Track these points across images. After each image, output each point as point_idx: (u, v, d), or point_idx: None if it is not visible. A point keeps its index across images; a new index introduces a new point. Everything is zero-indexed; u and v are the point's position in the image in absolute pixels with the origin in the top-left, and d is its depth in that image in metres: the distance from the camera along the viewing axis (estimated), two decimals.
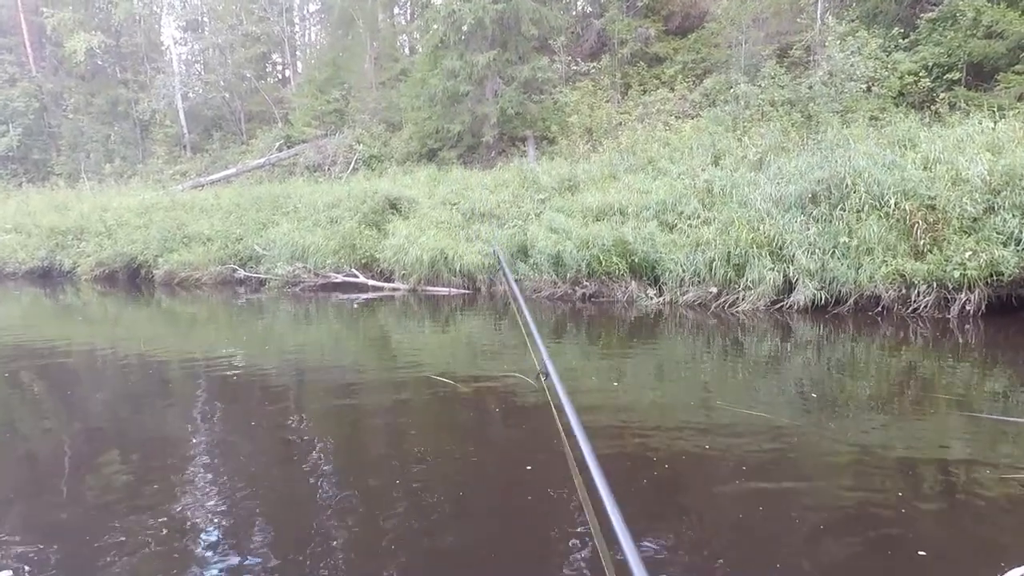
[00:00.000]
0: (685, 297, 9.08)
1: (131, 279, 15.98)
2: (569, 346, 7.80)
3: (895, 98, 13.03)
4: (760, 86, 14.22)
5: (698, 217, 9.65)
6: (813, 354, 7.13)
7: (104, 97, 28.15)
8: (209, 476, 3.98)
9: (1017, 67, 11.55)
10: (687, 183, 10.67)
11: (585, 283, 10.02)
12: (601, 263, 9.70)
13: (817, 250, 8.30)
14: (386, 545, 3.10)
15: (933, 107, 12.16)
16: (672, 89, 16.93)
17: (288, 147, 22.15)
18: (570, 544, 3.10)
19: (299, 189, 16.42)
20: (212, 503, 3.58)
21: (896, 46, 13.70)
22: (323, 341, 8.85)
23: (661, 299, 9.30)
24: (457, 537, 3.24)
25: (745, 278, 8.53)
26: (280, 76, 30.81)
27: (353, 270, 12.60)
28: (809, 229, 8.51)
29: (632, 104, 17.05)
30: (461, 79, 16.49)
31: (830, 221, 8.48)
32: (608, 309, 9.56)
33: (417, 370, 6.66)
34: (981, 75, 12.69)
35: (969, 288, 7.47)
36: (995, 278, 7.33)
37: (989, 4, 12.26)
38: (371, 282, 12.35)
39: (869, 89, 12.98)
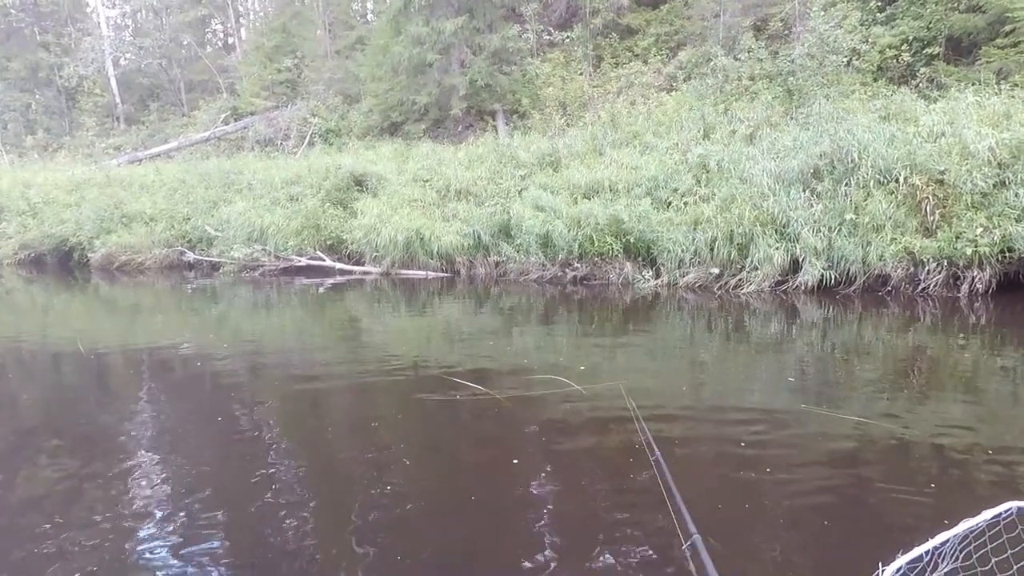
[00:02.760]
0: (685, 279, 8.59)
1: (62, 263, 14.37)
2: (560, 332, 7.23)
3: (875, 73, 12.86)
4: (740, 59, 13.81)
5: (694, 194, 9.14)
6: (818, 336, 6.83)
7: (22, 61, 25.34)
8: (152, 475, 3.61)
9: (997, 41, 11.50)
10: (677, 158, 10.16)
11: (576, 265, 9.41)
12: (594, 243, 9.09)
13: (823, 228, 7.93)
14: (347, 551, 2.78)
15: (913, 81, 12.04)
16: (646, 62, 16.37)
17: (235, 119, 20.46)
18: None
19: (252, 164, 15.09)
20: (156, 503, 3.26)
21: (873, 20, 13.52)
22: (285, 329, 7.99)
23: (659, 281, 8.79)
24: (423, 547, 2.85)
25: (750, 258, 8.09)
26: (223, 43, 28.51)
27: (318, 252, 11.56)
28: (813, 206, 8.12)
29: (604, 77, 16.41)
30: (427, 47, 15.38)
31: (835, 197, 8.11)
32: (601, 292, 9.00)
33: (394, 361, 5.94)
34: (959, 50, 12.64)
35: (979, 265, 7.26)
36: (1007, 254, 7.13)
37: None
38: (339, 265, 11.36)
39: (849, 63, 12.75)
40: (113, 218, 13.67)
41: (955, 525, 1.77)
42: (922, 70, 12.14)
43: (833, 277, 7.81)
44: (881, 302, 7.63)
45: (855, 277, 7.80)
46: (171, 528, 3.00)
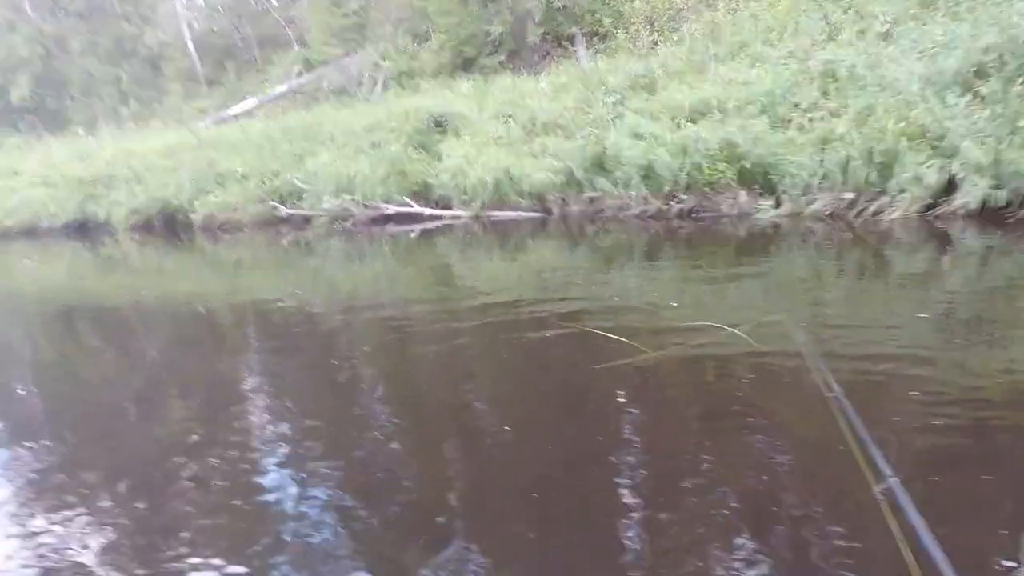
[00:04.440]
0: (812, 207, 7.65)
1: (168, 226, 15.12)
2: (666, 270, 6.72)
3: None
4: None
5: (820, 108, 8.00)
6: (975, 270, 5.87)
7: (108, 35, 26.32)
8: (269, 418, 3.83)
9: None
10: (796, 68, 8.91)
11: (682, 197, 8.62)
12: (703, 171, 8.25)
13: (989, 139, 6.69)
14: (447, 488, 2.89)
15: None
16: None
17: (308, 71, 20.38)
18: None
19: (330, 115, 14.96)
20: (274, 441, 3.51)
21: None
22: (380, 279, 8.05)
23: (780, 211, 7.89)
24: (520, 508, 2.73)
25: (895, 179, 7.02)
26: None
27: (406, 199, 11.38)
28: (976, 113, 6.85)
29: None
30: None
31: (1005, 101, 6.78)
32: (711, 226, 8.24)
33: (506, 307, 5.63)
34: None
35: None
36: None
37: None
38: (427, 211, 11.15)
39: None
40: (208, 178, 14.09)
41: None
42: None
43: (1003, 197, 6.63)
44: None
45: None
46: (289, 461, 3.24)
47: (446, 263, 8.57)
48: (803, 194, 7.69)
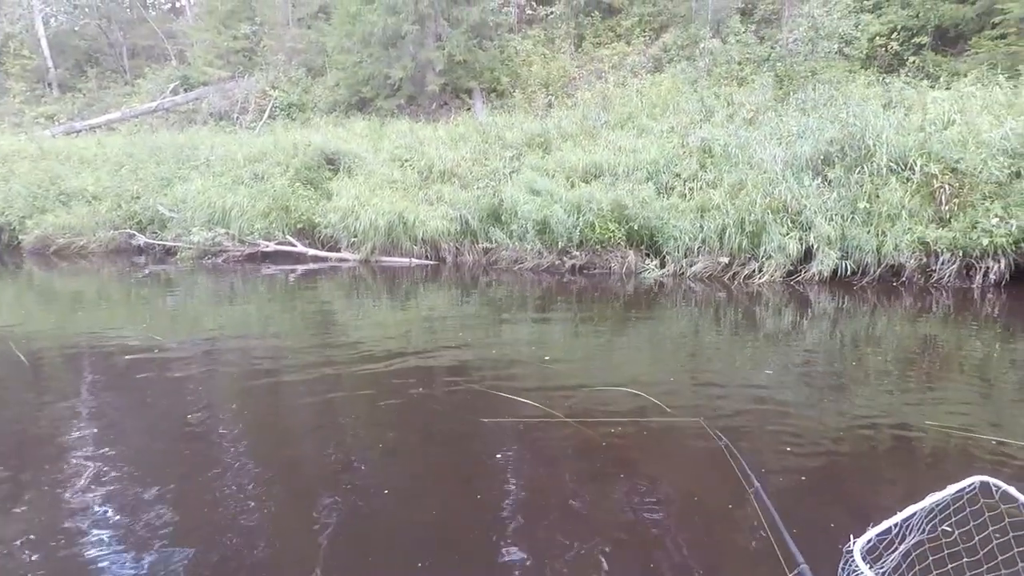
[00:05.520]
0: (692, 268, 8.16)
1: None
2: (556, 323, 6.78)
3: (863, 61, 12.74)
4: (728, 43, 13.46)
5: (699, 179, 8.70)
6: (828, 327, 6.59)
7: None
8: (96, 482, 3.25)
9: (986, 32, 11.50)
10: (677, 142, 9.69)
11: (575, 253, 8.83)
12: (595, 230, 8.53)
13: (836, 216, 7.63)
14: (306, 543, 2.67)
15: (902, 70, 11.96)
16: (628, 43, 15.85)
17: (186, 90, 18.84)
18: None
19: (208, 139, 13.78)
20: (100, 510, 2.96)
21: (861, 7, 13.38)
22: (250, 322, 7.21)
23: (664, 271, 8.32)
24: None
25: (763, 247, 7.71)
26: (171, 5, 26.34)
27: (288, 237, 10.57)
28: (826, 194, 7.81)
29: (587, 57, 15.82)
30: (403, 16, 14.36)
31: (847, 185, 7.82)
32: (602, 282, 8.48)
33: (369, 359, 5.29)
34: (946, 40, 12.65)
35: (994, 256, 7.10)
36: (1022, 245, 7.00)
37: None
38: (312, 251, 10.42)
39: (840, 51, 12.58)
40: (49, 196, 12.22)
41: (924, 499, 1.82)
42: (911, 59, 12.08)
43: (848, 267, 7.53)
44: (894, 293, 7.42)
45: (869, 268, 7.55)
46: (118, 535, 2.76)
47: (329, 308, 7.94)
48: (685, 256, 8.21)
